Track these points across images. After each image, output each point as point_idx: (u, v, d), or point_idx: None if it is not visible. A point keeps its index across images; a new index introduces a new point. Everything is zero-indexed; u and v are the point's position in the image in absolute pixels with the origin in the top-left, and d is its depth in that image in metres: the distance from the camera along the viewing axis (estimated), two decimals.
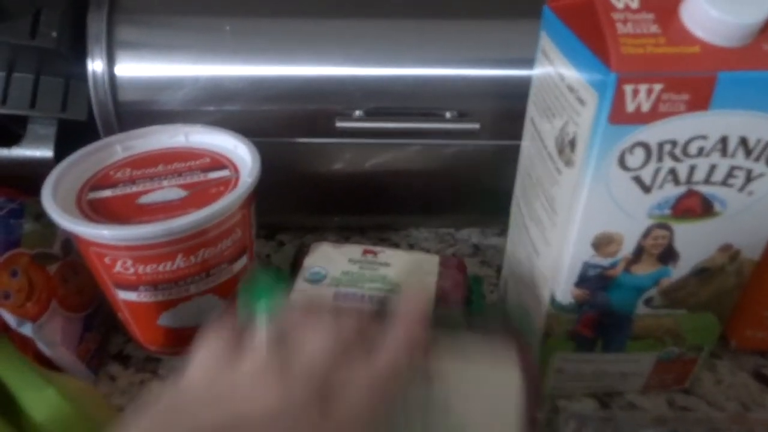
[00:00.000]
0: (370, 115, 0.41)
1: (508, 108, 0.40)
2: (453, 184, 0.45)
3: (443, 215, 0.49)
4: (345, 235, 0.49)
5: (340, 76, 0.41)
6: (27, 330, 0.32)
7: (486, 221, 0.49)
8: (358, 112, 0.41)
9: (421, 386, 0.25)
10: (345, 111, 0.41)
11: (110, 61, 0.40)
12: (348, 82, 0.41)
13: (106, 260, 0.32)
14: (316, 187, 0.45)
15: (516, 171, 0.38)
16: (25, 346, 0.33)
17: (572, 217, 0.28)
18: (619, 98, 0.24)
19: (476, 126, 0.40)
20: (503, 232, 0.48)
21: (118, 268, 0.33)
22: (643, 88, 0.23)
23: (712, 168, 0.26)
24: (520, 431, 0.24)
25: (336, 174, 0.44)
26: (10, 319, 0.32)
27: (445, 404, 0.24)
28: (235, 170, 0.37)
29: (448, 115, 0.40)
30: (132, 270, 0.32)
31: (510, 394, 0.25)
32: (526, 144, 0.35)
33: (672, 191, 0.26)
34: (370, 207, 0.47)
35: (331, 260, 0.38)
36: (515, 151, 0.37)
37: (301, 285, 0.37)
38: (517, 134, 0.37)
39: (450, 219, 0.50)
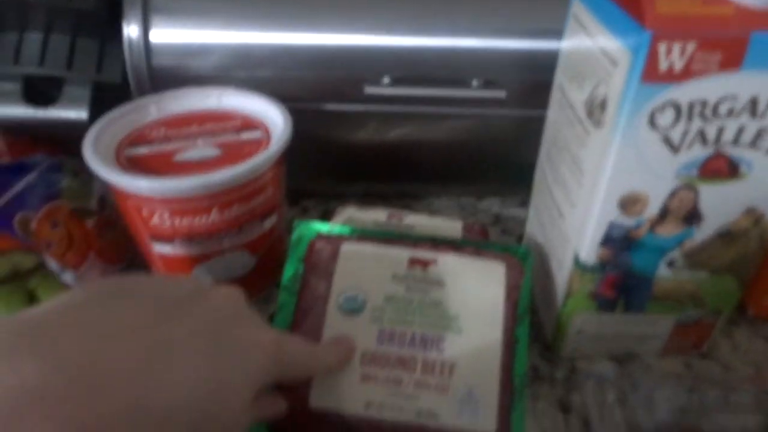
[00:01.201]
0: (397, 82, 0.41)
1: (533, 78, 0.41)
2: (477, 154, 0.46)
3: (465, 184, 0.49)
4: (368, 202, 0.50)
5: (370, 44, 0.41)
6: (68, 277, 0.34)
7: (507, 192, 0.50)
8: (386, 79, 0.41)
9: (424, 290, 0.32)
10: (373, 78, 0.41)
11: (145, 26, 0.41)
12: (377, 49, 0.41)
13: (144, 212, 0.34)
14: (342, 153, 0.46)
15: (539, 141, 0.39)
16: None
17: (600, 176, 0.28)
18: (652, 56, 0.24)
19: (502, 94, 0.40)
20: (524, 203, 0.49)
21: (155, 220, 0.34)
22: (676, 46, 0.24)
23: (741, 129, 0.26)
24: (502, 332, 0.31)
25: (361, 141, 0.45)
26: (53, 266, 0.33)
27: (441, 304, 0.31)
28: (267, 132, 0.38)
29: (474, 83, 0.41)
30: (168, 223, 0.34)
31: (496, 300, 0.32)
32: (553, 111, 0.36)
33: (700, 152, 0.27)
34: (393, 174, 0.48)
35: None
36: (540, 121, 0.38)
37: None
38: (543, 104, 0.37)
39: (472, 188, 0.51)
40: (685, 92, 0.25)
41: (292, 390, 0.30)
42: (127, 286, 0.23)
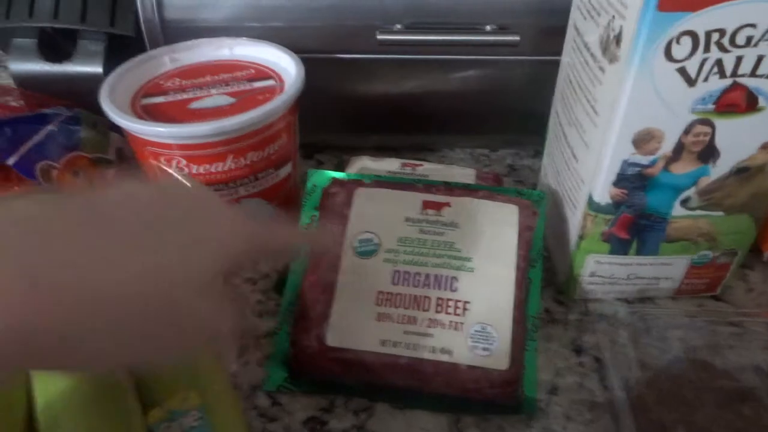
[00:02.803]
0: (410, 28, 0.41)
1: (547, 22, 0.40)
2: (490, 103, 0.45)
3: (479, 135, 0.49)
4: (381, 155, 0.50)
5: None
6: None
7: (521, 142, 0.50)
8: (398, 26, 0.41)
9: (437, 232, 0.32)
10: (385, 26, 0.41)
11: None
12: None
13: (162, 160, 0.34)
14: (354, 105, 0.46)
15: (553, 89, 0.38)
16: None
17: (614, 113, 0.28)
18: None
19: (516, 38, 0.40)
20: (538, 153, 0.49)
21: (172, 168, 0.34)
22: None
23: (760, 59, 0.26)
24: (515, 270, 0.32)
25: (374, 91, 0.45)
26: None
27: (454, 245, 0.32)
28: (280, 80, 0.38)
29: (488, 28, 0.41)
30: (186, 170, 0.34)
31: (509, 241, 0.32)
32: (567, 51, 0.35)
33: (717, 84, 0.27)
34: (407, 126, 0.48)
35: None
36: (554, 67, 0.38)
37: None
38: (557, 49, 0.37)
39: (486, 139, 0.50)
40: (703, 21, 0.25)
41: (308, 330, 0.31)
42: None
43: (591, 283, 0.36)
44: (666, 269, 0.35)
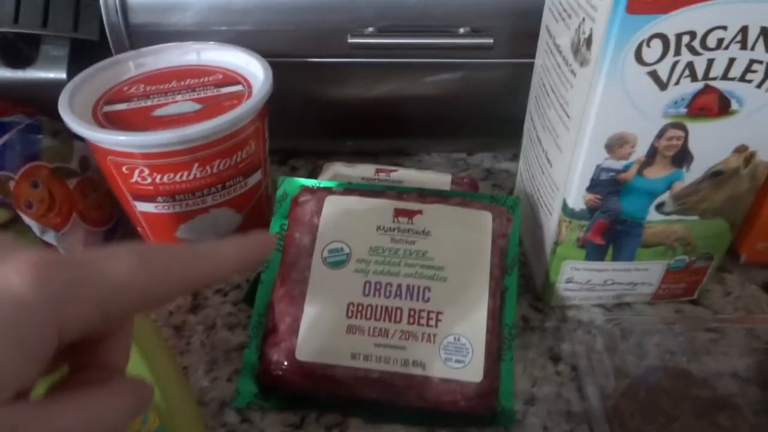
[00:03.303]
0: (382, 32, 0.40)
1: (521, 25, 0.39)
2: (466, 106, 0.45)
3: (456, 139, 0.49)
4: (357, 160, 0.49)
5: None
6: (50, 237, 0.33)
7: (498, 145, 0.49)
8: (370, 29, 0.40)
9: (409, 241, 0.31)
10: (357, 29, 0.40)
11: None
12: None
13: (124, 170, 0.33)
14: (328, 109, 0.45)
15: (529, 92, 0.38)
16: None
17: (586, 118, 0.28)
18: None
19: (490, 41, 0.39)
20: (515, 157, 0.48)
21: (135, 177, 0.33)
22: None
23: (731, 62, 0.25)
24: (489, 279, 0.31)
25: (348, 96, 0.44)
26: (35, 227, 0.33)
27: (426, 254, 0.31)
28: (248, 85, 0.37)
29: (461, 31, 0.40)
30: (149, 180, 0.33)
31: (482, 249, 0.31)
32: (540, 54, 0.35)
33: (688, 87, 0.26)
34: (382, 130, 0.47)
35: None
36: (529, 70, 0.37)
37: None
38: (531, 52, 0.36)
39: (462, 143, 0.50)
40: (673, 23, 0.24)
41: (278, 344, 0.30)
42: None
43: (568, 289, 0.35)
44: (643, 274, 0.34)
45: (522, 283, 0.37)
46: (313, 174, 0.42)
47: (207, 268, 0.21)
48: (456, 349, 0.29)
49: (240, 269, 0.22)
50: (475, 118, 0.46)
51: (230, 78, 0.38)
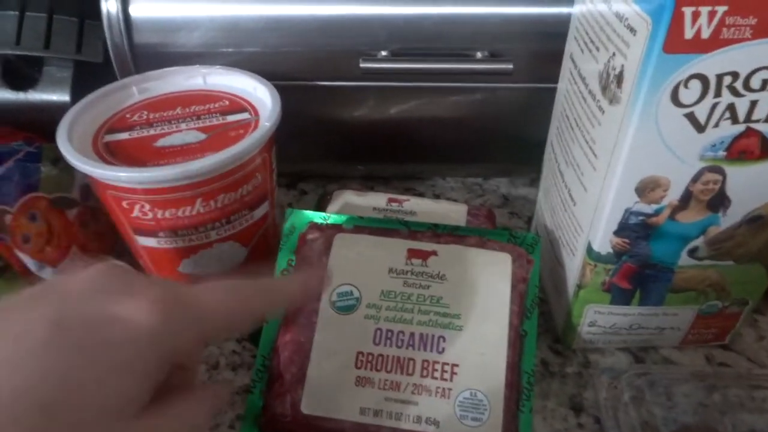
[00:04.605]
0: (396, 55, 0.38)
1: (542, 48, 0.38)
2: (482, 131, 0.43)
3: (471, 164, 0.47)
4: (369, 184, 0.47)
5: (365, 15, 0.38)
6: (47, 274, 0.32)
7: (516, 170, 0.47)
8: (383, 53, 0.38)
9: (423, 285, 0.30)
10: (369, 52, 0.38)
11: (124, 1, 0.38)
12: (373, 20, 0.38)
13: (124, 204, 0.31)
14: (339, 133, 0.44)
15: (549, 116, 0.36)
16: None
17: (616, 159, 0.26)
18: (676, 23, 0.21)
19: (509, 67, 0.37)
20: (533, 182, 0.47)
21: (136, 212, 0.32)
22: (704, 10, 0.21)
23: None
24: (507, 328, 0.29)
25: (359, 120, 0.42)
26: (30, 263, 0.31)
27: (441, 300, 0.29)
28: (255, 113, 0.35)
29: (479, 55, 0.38)
30: (150, 215, 0.32)
31: (502, 295, 0.29)
32: (563, 84, 0.33)
33: (728, 130, 0.24)
34: (394, 155, 0.45)
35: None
36: (549, 94, 0.35)
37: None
38: (552, 76, 0.34)
39: (478, 168, 0.48)
40: (714, 64, 0.22)
41: (283, 395, 0.28)
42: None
43: (591, 333, 0.33)
44: (672, 319, 0.32)
45: (541, 322, 0.35)
46: (323, 201, 0.40)
47: (280, 300, 0.26)
48: (472, 406, 0.27)
49: (304, 301, 0.28)
50: (492, 142, 0.44)
51: (237, 105, 0.36)
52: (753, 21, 0.21)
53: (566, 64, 0.33)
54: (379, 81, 0.40)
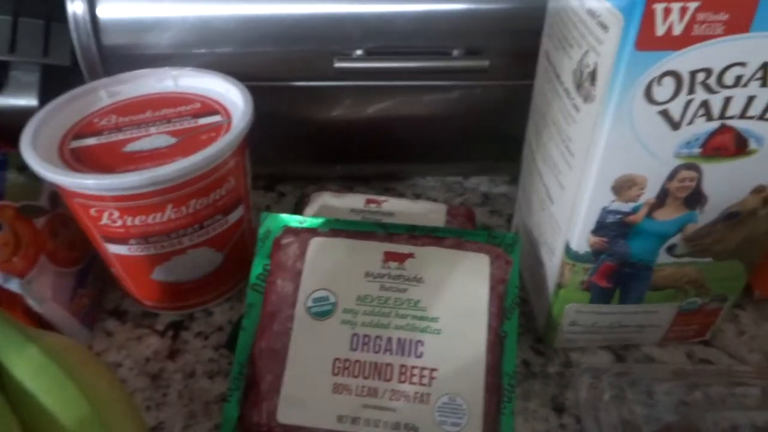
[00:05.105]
0: (370, 54, 0.38)
1: (519, 45, 0.37)
2: (461, 129, 0.42)
3: (450, 162, 0.46)
4: (348, 185, 0.47)
5: (338, 13, 0.37)
6: (14, 286, 0.31)
7: (496, 169, 0.47)
8: (358, 52, 0.38)
9: (400, 288, 0.29)
10: (344, 51, 0.38)
11: (91, 1, 0.37)
12: (346, 19, 0.38)
13: (92, 212, 0.31)
14: (316, 134, 0.43)
15: (527, 113, 0.35)
16: (13, 303, 0.31)
17: (591, 158, 0.25)
18: (647, 19, 0.21)
19: (485, 63, 0.37)
20: (514, 180, 0.46)
21: (105, 220, 0.31)
22: (675, 6, 0.21)
23: (750, 100, 0.23)
24: (486, 330, 0.29)
25: (336, 120, 0.42)
26: None
27: (419, 303, 0.29)
28: (227, 115, 0.34)
29: (455, 52, 0.38)
30: (120, 222, 0.31)
31: (480, 297, 0.29)
32: (540, 82, 0.32)
33: (703, 127, 0.24)
34: (373, 154, 0.45)
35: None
36: (527, 91, 0.35)
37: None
38: (529, 73, 0.34)
39: (458, 167, 0.47)
40: (686, 60, 0.22)
41: (259, 404, 0.27)
42: None
43: (572, 332, 0.33)
44: (652, 317, 0.32)
45: (522, 322, 0.35)
46: (300, 204, 0.39)
47: None
48: (452, 411, 0.27)
49: None
50: (471, 141, 0.44)
51: (208, 107, 0.35)
52: (725, 17, 0.21)
53: (542, 61, 0.32)
54: (355, 80, 0.39)
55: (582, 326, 0.32)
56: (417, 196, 0.46)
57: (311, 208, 0.37)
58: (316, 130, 0.43)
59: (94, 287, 0.37)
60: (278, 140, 0.43)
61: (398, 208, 0.37)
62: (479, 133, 0.43)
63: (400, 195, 0.46)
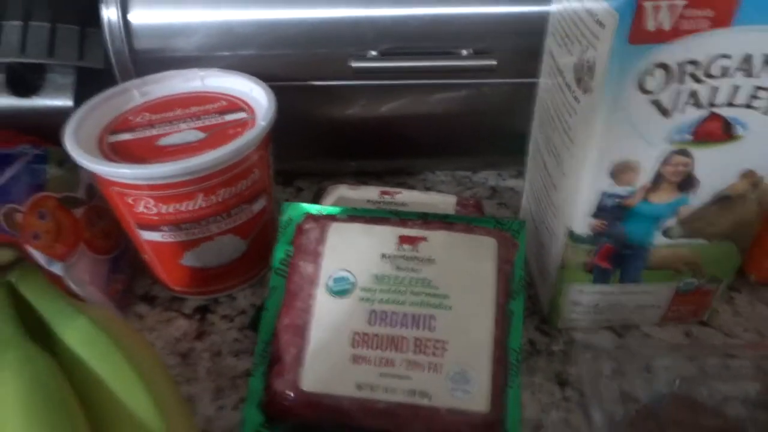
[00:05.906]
0: (384, 55, 0.40)
1: (525, 45, 0.39)
2: (470, 125, 0.45)
3: (460, 157, 0.49)
4: (362, 180, 0.49)
5: (354, 17, 0.40)
6: (57, 269, 0.34)
7: (503, 163, 0.49)
8: (372, 53, 0.40)
9: (414, 269, 0.31)
10: (359, 52, 0.40)
11: (124, 8, 0.40)
12: (361, 22, 0.40)
13: (129, 200, 0.33)
14: (332, 131, 0.45)
15: (533, 109, 0.38)
16: (55, 284, 0.34)
17: (589, 145, 0.27)
18: (639, 16, 0.23)
19: (493, 63, 0.39)
20: (520, 174, 0.48)
21: (140, 208, 0.33)
22: (664, 4, 0.23)
23: (735, 89, 0.25)
24: (494, 307, 0.30)
25: (351, 117, 0.44)
26: (41, 258, 0.33)
27: (431, 282, 0.31)
28: (252, 112, 0.37)
29: (464, 53, 0.40)
30: (154, 210, 0.33)
31: (487, 276, 0.31)
32: (544, 78, 0.35)
33: (693, 115, 0.26)
34: (385, 150, 0.47)
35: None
36: (532, 89, 0.37)
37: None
38: (535, 72, 0.36)
39: (467, 161, 0.50)
40: (675, 53, 0.24)
41: (283, 375, 0.30)
42: None
43: (575, 312, 0.35)
44: (651, 297, 0.34)
45: (528, 305, 0.37)
46: (318, 196, 0.42)
47: None
48: (462, 379, 0.29)
49: None
50: (480, 136, 0.46)
51: (234, 105, 0.38)
52: (709, 12, 0.23)
53: (546, 59, 0.34)
54: (369, 80, 0.42)
55: (585, 307, 0.34)
56: (428, 189, 0.48)
57: (329, 200, 0.40)
58: (332, 127, 0.45)
59: (126, 274, 0.40)
60: (297, 137, 0.45)
61: (411, 199, 0.39)
62: (487, 129, 0.45)
63: (412, 188, 0.48)
